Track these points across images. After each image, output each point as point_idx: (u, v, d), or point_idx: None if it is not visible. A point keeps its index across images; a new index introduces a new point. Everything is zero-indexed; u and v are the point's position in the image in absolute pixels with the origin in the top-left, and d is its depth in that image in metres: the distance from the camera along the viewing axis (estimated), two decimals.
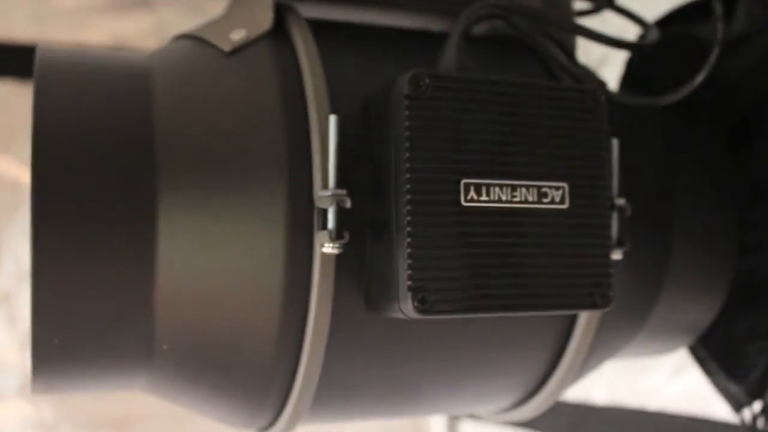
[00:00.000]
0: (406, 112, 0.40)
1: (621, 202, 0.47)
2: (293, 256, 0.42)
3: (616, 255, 0.47)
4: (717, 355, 0.67)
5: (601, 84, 0.56)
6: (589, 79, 0.53)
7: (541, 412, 0.55)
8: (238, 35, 0.47)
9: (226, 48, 0.47)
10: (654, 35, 0.56)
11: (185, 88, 0.46)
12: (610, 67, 1.04)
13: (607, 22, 0.63)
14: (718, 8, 0.49)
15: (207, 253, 0.43)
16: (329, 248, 0.41)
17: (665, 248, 0.55)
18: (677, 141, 0.60)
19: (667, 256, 0.56)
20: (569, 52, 0.55)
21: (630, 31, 0.65)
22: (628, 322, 0.55)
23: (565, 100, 0.44)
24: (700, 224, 0.58)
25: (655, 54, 0.64)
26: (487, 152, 0.42)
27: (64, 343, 0.42)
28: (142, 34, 1.31)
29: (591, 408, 0.98)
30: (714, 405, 0.80)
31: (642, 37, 0.68)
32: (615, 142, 0.47)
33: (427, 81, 0.41)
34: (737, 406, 0.67)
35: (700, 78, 0.49)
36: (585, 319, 0.50)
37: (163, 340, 0.44)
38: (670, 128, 0.60)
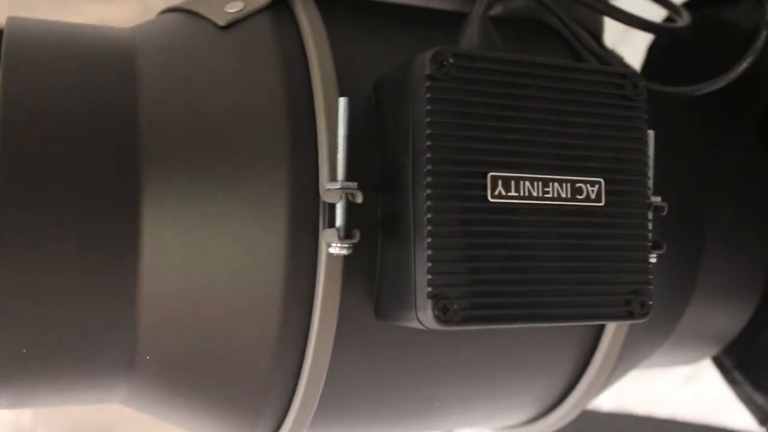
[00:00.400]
0: (428, 95, 0.35)
1: (657, 200, 0.43)
2: (295, 256, 0.37)
3: (651, 258, 0.42)
4: (742, 363, 0.63)
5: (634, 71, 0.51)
6: (618, 65, 0.48)
7: (561, 427, 0.50)
8: (234, 8, 0.42)
9: (221, 22, 0.42)
10: (686, 18, 0.52)
11: (174, 67, 0.41)
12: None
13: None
14: None
15: (197, 253, 0.38)
16: (337, 249, 0.36)
17: (696, 250, 0.50)
18: (708, 134, 0.55)
19: (699, 258, 0.51)
20: (596, 35, 0.50)
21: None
22: (657, 330, 0.51)
23: (604, 84, 0.39)
24: (733, 224, 0.54)
25: (680, 40, 0.59)
26: (518, 142, 0.37)
27: (33, 353, 0.37)
28: (128, 20, 1.26)
29: (597, 414, 0.93)
30: (728, 413, 0.76)
31: (671, 20, 0.63)
32: (651, 134, 0.42)
33: (452, 60, 0.36)
34: (763, 418, 0.63)
35: (745, 64, 0.44)
36: (614, 327, 0.45)
37: (147, 350, 0.39)
38: (700, 120, 0.55)
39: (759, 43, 0.44)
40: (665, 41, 0.64)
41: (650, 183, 0.42)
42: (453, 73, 0.36)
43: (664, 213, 0.43)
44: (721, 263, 0.53)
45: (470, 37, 0.40)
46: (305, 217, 0.38)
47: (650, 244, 0.40)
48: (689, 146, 0.52)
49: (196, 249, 0.38)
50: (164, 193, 0.38)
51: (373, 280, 0.39)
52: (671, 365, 0.61)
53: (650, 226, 0.41)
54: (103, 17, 1.28)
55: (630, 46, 0.65)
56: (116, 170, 0.38)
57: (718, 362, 0.64)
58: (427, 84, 0.35)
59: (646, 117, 0.40)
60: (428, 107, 0.35)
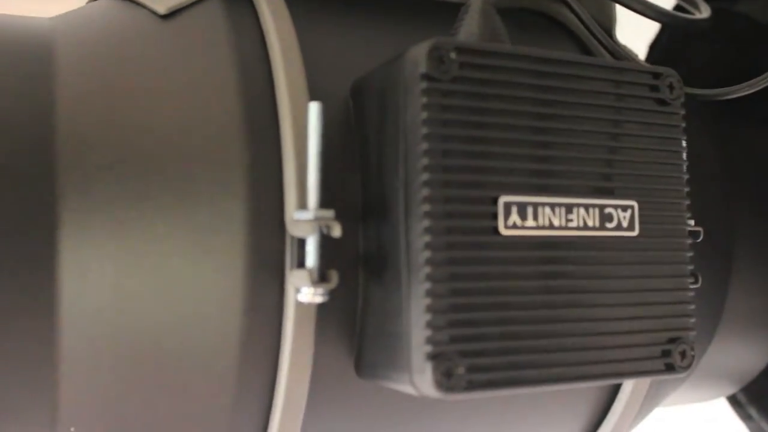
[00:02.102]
0: (424, 99, 0.28)
1: (691, 224, 0.35)
2: (256, 304, 0.30)
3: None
4: (757, 398, 0.57)
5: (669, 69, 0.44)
6: (633, 57, 0.41)
7: None
8: None
9: (161, 9, 0.34)
10: (706, 9, 0.45)
11: (101, 66, 0.33)
12: None
13: None
14: None
15: (130, 301, 0.30)
16: (309, 295, 0.29)
17: (724, 280, 0.43)
18: (731, 143, 0.48)
19: (726, 288, 0.44)
20: (608, 29, 0.43)
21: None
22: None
23: (636, 86, 0.32)
24: (762, 248, 0.47)
25: (695, 32, 0.52)
26: (534, 158, 0.30)
27: None
28: None
29: None
30: None
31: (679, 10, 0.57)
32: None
33: (453, 55, 0.28)
34: None
35: None
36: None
37: (70, 420, 0.31)
38: (721, 126, 0.48)
39: None
40: (671, 35, 0.57)
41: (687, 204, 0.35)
42: (455, 72, 0.28)
43: (700, 239, 0.36)
44: (749, 293, 0.46)
45: (471, 29, 0.32)
46: (268, 255, 0.30)
47: (690, 279, 0.33)
48: (709, 156, 0.45)
49: (129, 296, 0.30)
50: (87, 228, 0.30)
51: (353, 331, 0.31)
52: (687, 403, 0.54)
53: (689, 257, 0.33)
54: (44, 14, 1.20)
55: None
56: (24, 201, 0.30)
57: (732, 398, 0.57)
58: (423, 86, 0.28)
59: (684, 125, 0.33)
60: (424, 115, 0.28)
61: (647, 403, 0.41)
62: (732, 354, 0.48)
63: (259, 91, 0.31)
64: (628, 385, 0.37)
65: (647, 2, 0.40)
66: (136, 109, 0.31)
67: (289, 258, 0.30)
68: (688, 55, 0.56)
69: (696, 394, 0.51)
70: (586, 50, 0.41)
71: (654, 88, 0.32)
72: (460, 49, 0.28)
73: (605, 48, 0.39)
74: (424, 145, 0.28)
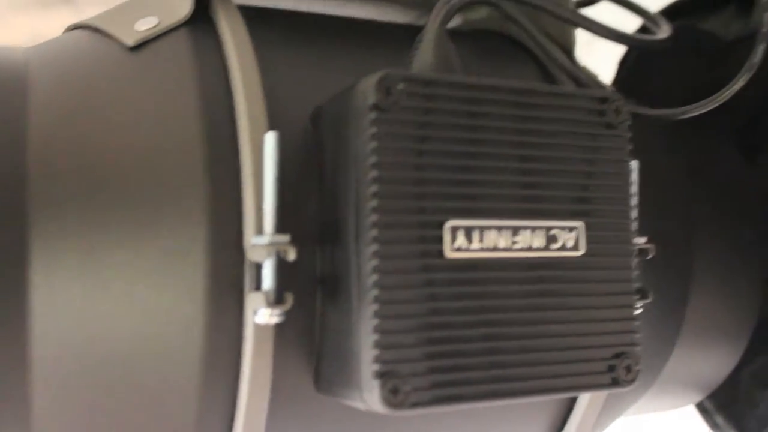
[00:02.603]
0: (373, 129, 0.29)
1: (642, 241, 0.37)
2: (216, 325, 0.31)
3: (637, 310, 0.36)
4: (724, 406, 0.58)
5: (604, 85, 0.45)
6: (593, 85, 0.42)
7: None
8: (146, 24, 0.36)
9: (129, 41, 0.35)
10: (666, 30, 0.46)
11: (71, 96, 0.34)
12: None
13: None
14: None
15: (96, 324, 0.31)
16: (266, 316, 0.30)
17: (683, 294, 0.45)
18: (692, 156, 0.49)
19: (685, 300, 0.45)
20: (568, 50, 0.45)
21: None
22: (638, 382, 0.45)
23: (581, 111, 0.33)
24: (722, 260, 0.48)
25: (656, 52, 0.54)
26: (481, 183, 0.31)
27: None
28: (61, 31, 1.19)
29: None
30: None
31: (643, 30, 0.58)
32: (635, 164, 0.36)
33: (401, 86, 0.30)
34: None
35: (741, 82, 0.39)
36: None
37: None
38: (682, 140, 0.50)
39: (756, 59, 0.39)
40: (638, 53, 0.58)
41: (635, 223, 0.36)
42: (403, 102, 0.30)
43: (651, 256, 0.37)
44: (709, 305, 0.47)
45: (424, 57, 0.34)
46: (228, 278, 0.31)
47: (636, 296, 0.34)
48: (671, 173, 0.46)
49: (97, 320, 0.31)
50: (57, 256, 0.31)
51: (312, 349, 0.33)
52: (650, 412, 0.55)
53: (636, 274, 0.35)
54: (35, 29, 1.21)
55: (592, 57, 0.59)
56: None
57: (699, 405, 0.59)
58: (372, 116, 0.29)
59: (630, 147, 0.35)
60: (373, 144, 0.29)
61: (606, 413, 0.42)
62: (695, 363, 0.49)
63: (220, 121, 0.32)
64: (584, 398, 0.39)
65: (606, 26, 0.42)
66: (104, 139, 0.33)
67: (248, 280, 0.31)
68: (656, 71, 0.57)
69: (661, 403, 0.53)
70: (546, 71, 0.42)
71: (600, 113, 0.34)
72: (408, 80, 0.30)
73: (563, 70, 0.41)
74: (373, 173, 0.29)
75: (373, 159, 0.29)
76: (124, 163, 0.32)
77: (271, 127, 0.32)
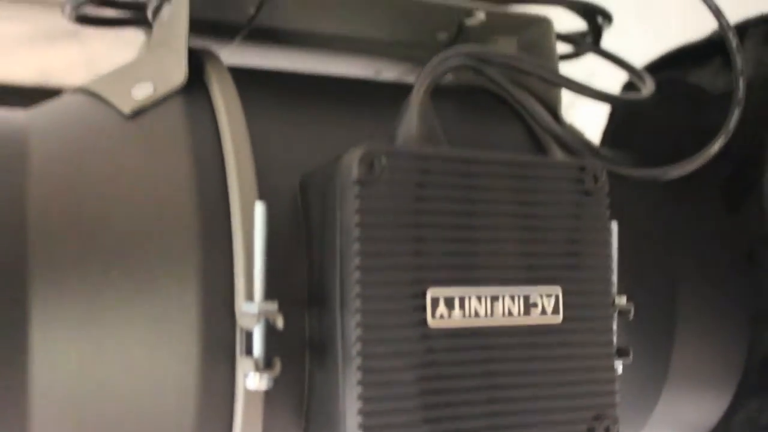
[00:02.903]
0: (357, 203, 0.30)
1: (622, 301, 0.38)
2: (209, 389, 0.32)
3: (617, 369, 0.38)
4: None
5: (591, 147, 0.47)
6: (576, 143, 0.44)
7: None
8: (142, 92, 0.37)
9: (126, 109, 0.36)
10: (650, 87, 0.47)
11: (69, 163, 0.35)
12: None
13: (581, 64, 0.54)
14: (738, 61, 0.40)
15: (93, 385, 0.33)
16: (255, 381, 0.31)
17: (666, 350, 0.46)
18: (674, 210, 0.50)
19: (668, 358, 0.46)
20: (553, 108, 0.46)
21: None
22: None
23: (560, 180, 0.34)
24: (706, 311, 0.49)
25: (644, 104, 0.55)
26: (462, 252, 0.32)
27: None
28: (70, 67, 1.21)
29: None
30: None
31: (630, 87, 0.59)
32: (614, 226, 0.38)
33: (384, 161, 0.31)
34: None
35: (716, 146, 0.40)
36: None
37: None
38: (664, 193, 0.51)
39: (731, 124, 0.40)
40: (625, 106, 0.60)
41: (614, 282, 0.38)
42: (385, 176, 0.31)
43: (631, 316, 0.38)
44: (695, 353, 0.48)
45: (408, 127, 0.35)
46: (219, 343, 0.32)
47: (617, 356, 0.35)
48: (653, 226, 0.47)
49: (94, 381, 0.33)
50: (56, 319, 0.33)
51: (301, 410, 0.34)
52: None
53: (615, 335, 0.36)
54: (44, 65, 1.23)
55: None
56: None
57: None
58: (356, 191, 0.31)
59: (608, 212, 0.36)
60: (357, 219, 0.30)
61: None
62: (683, 411, 0.50)
63: (213, 190, 0.34)
64: None
65: (590, 86, 0.43)
66: (101, 207, 0.34)
67: (239, 344, 0.32)
68: (645, 121, 0.58)
69: None
70: (531, 130, 0.43)
71: (579, 181, 0.35)
72: (390, 154, 0.31)
73: (545, 130, 0.42)
74: (357, 246, 0.30)
75: (356, 232, 0.30)
76: (120, 230, 0.33)
77: (262, 196, 0.34)
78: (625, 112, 0.60)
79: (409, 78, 0.55)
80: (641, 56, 0.57)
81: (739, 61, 0.40)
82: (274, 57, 0.50)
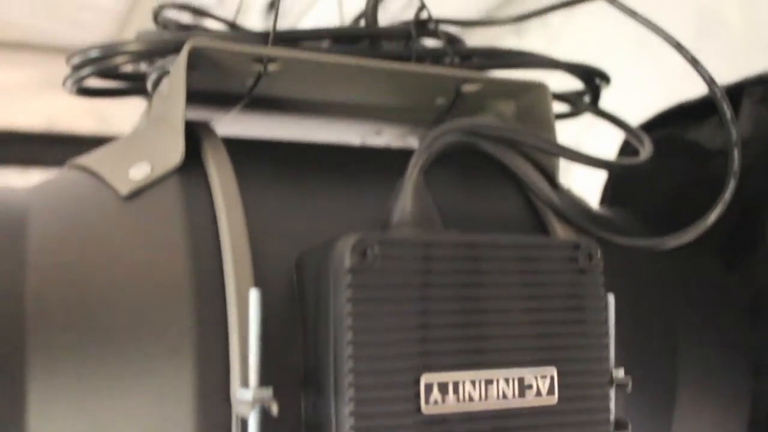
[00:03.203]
0: (349, 293, 0.31)
1: (620, 375, 0.38)
2: None
3: None
4: None
5: (589, 214, 0.47)
6: (574, 212, 0.44)
7: None
8: (139, 172, 0.38)
9: (123, 190, 0.37)
10: (648, 150, 0.47)
11: (68, 244, 0.36)
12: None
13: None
14: (733, 132, 0.41)
15: None
16: None
17: (667, 417, 0.46)
18: (672, 273, 0.50)
19: (669, 426, 0.46)
20: (551, 174, 0.46)
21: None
22: None
23: (552, 260, 0.35)
24: (707, 371, 0.49)
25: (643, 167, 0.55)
26: (454, 336, 0.32)
27: None
28: (76, 114, 1.22)
29: None
30: None
31: (625, 149, 0.59)
32: (611, 299, 0.38)
33: (376, 249, 0.31)
34: None
35: (713, 217, 0.40)
36: None
37: None
38: (661, 257, 0.51)
39: (727, 195, 0.40)
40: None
41: (611, 356, 0.38)
42: (378, 265, 0.31)
43: (629, 389, 0.38)
44: (696, 420, 0.48)
45: (403, 208, 0.35)
46: (215, 428, 0.32)
47: (612, 426, 0.35)
48: (652, 294, 0.47)
49: None
50: (53, 404, 0.33)
51: None
52: None
53: (613, 410, 0.36)
54: (51, 112, 1.24)
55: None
56: None
57: None
58: (348, 280, 0.31)
59: (603, 289, 0.36)
60: (349, 307, 0.31)
61: None
62: None
63: (209, 274, 0.34)
64: None
65: (586, 154, 0.43)
66: (99, 291, 0.34)
67: (235, 429, 0.33)
68: (645, 175, 0.58)
69: None
70: (528, 198, 0.44)
71: (572, 260, 0.35)
72: (383, 242, 0.31)
73: (540, 198, 0.42)
74: (349, 335, 0.30)
75: (348, 321, 0.30)
76: (117, 316, 0.34)
77: (258, 278, 0.34)
78: (622, 173, 0.61)
79: (409, 139, 0.56)
80: (635, 113, 0.58)
81: (734, 132, 0.41)
82: (271, 123, 0.51)
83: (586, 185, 0.57)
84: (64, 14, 1.05)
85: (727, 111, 0.40)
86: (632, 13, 0.42)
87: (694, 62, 0.41)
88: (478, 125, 0.39)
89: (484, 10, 1.07)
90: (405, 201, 0.35)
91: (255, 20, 0.99)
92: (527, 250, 0.34)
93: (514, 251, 0.34)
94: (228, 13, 1.02)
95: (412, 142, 0.57)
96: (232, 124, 0.50)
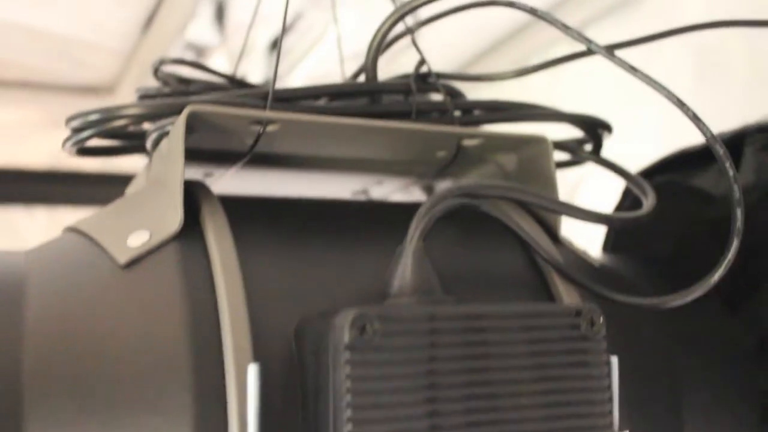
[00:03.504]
0: (347, 370, 0.30)
1: None
2: None
3: None
4: None
5: (591, 268, 0.46)
6: (576, 266, 0.44)
7: None
8: (138, 240, 0.37)
9: (122, 259, 0.37)
10: (651, 201, 0.47)
11: (66, 311, 0.36)
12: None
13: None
14: (736, 191, 0.40)
15: None
16: None
17: None
18: (676, 320, 0.50)
19: None
20: (553, 228, 0.46)
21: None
22: None
23: (556, 328, 0.34)
24: (712, 419, 0.49)
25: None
26: (461, 409, 0.32)
27: None
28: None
29: None
30: None
31: (627, 195, 0.59)
32: (614, 362, 0.37)
33: (376, 324, 0.31)
34: None
35: (717, 276, 0.40)
36: None
37: None
38: (671, 319, 0.50)
39: (731, 254, 0.40)
40: (632, 201, 0.59)
41: (615, 417, 0.37)
42: (378, 341, 0.31)
43: None
44: None
45: (403, 278, 0.35)
46: None
47: None
48: (656, 349, 0.47)
49: None
50: None
51: None
52: None
53: None
54: (54, 149, 1.24)
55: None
56: None
57: None
58: (347, 356, 0.30)
59: (606, 355, 0.36)
60: (348, 384, 0.30)
61: None
62: None
63: (208, 347, 0.34)
64: None
65: (589, 210, 0.43)
66: (97, 361, 0.34)
67: None
68: (648, 223, 0.58)
69: None
70: (530, 254, 0.43)
71: (575, 326, 0.35)
72: (383, 319, 0.31)
73: (541, 257, 0.42)
74: (348, 413, 0.30)
75: (348, 398, 0.30)
76: (116, 386, 0.34)
77: (256, 348, 0.34)
78: (630, 208, 0.60)
79: (412, 189, 0.56)
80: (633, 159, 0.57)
81: (737, 191, 0.40)
82: (271, 178, 0.51)
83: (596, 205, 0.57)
84: (67, 54, 1.06)
85: (730, 170, 0.40)
86: (632, 70, 0.42)
87: (696, 119, 0.41)
88: (478, 187, 0.39)
89: (488, 45, 1.07)
90: (405, 269, 0.35)
91: (257, 60, 0.99)
92: (531, 319, 0.34)
93: (518, 321, 0.34)
94: (231, 53, 1.03)
95: (415, 192, 0.56)
96: (231, 180, 0.50)
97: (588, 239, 0.57)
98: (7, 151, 1.24)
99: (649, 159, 0.58)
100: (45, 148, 1.26)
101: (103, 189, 1.14)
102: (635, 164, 0.56)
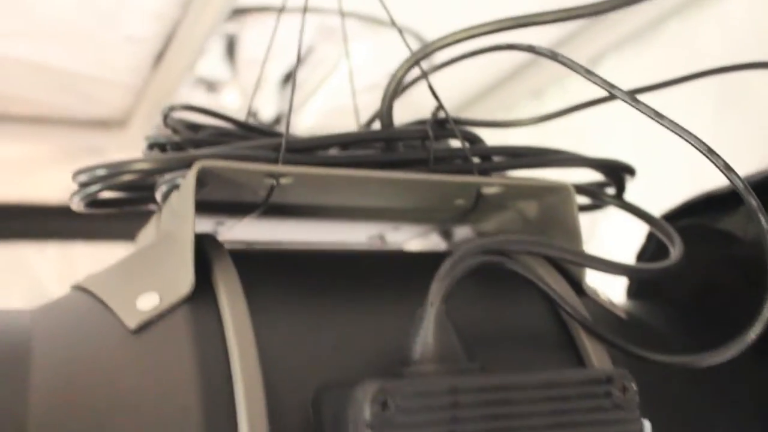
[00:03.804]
0: None
1: None
2: None
3: None
4: None
5: (618, 321, 0.45)
6: (603, 321, 0.42)
7: None
8: (147, 303, 0.36)
9: (131, 324, 0.35)
10: (678, 251, 0.45)
11: (73, 384, 0.34)
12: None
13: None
14: None
15: None
16: None
17: None
18: (706, 373, 0.48)
19: None
20: (577, 280, 0.44)
21: None
22: None
23: (585, 398, 0.32)
24: None
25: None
26: None
27: None
28: None
29: None
30: None
31: (649, 243, 0.57)
32: (647, 427, 0.35)
33: (398, 401, 0.29)
34: None
35: (753, 335, 0.38)
36: None
37: None
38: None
39: (766, 314, 0.38)
40: (656, 244, 0.58)
41: None
42: (399, 419, 0.29)
43: None
44: None
45: (426, 343, 0.33)
46: None
47: None
48: (688, 405, 0.45)
49: None
50: None
51: None
52: None
53: None
54: (67, 185, 1.23)
55: None
56: None
57: None
58: None
59: (639, 423, 0.34)
60: None
61: None
62: None
63: (220, 414, 0.32)
64: None
65: (611, 261, 0.41)
66: (104, 428, 0.33)
67: None
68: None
69: None
70: (554, 308, 0.42)
71: (607, 394, 0.33)
72: (405, 394, 0.29)
73: (566, 311, 0.40)
74: None
75: None
76: None
77: (271, 415, 0.32)
78: (655, 251, 0.58)
79: (430, 236, 0.54)
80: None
81: None
82: (286, 228, 0.49)
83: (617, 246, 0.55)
84: (77, 89, 1.05)
85: (763, 221, 0.38)
86: (658, 116, 0.40)
87: (728, 169, 0.39)
88: (501, 243, 0.37)
89: (504, 76, 1.06)
90: (427, 334, 0.33)
91: (269, 94, 0.98)
92: (558, 389, 0.32)
93: (544, 391, 0.32)
94: (243, 87, 1.01)
95: (432, 237, 0.55)
96: (245, 229, 0.48)
97: (611, 280, 0.55)
98: (18, 186, 1.23)
99: (671, 200, 0.56)
100: (57, 183, 1.25)
101: (114, 224, 1.12)
102: (656, 204, 0.54)
